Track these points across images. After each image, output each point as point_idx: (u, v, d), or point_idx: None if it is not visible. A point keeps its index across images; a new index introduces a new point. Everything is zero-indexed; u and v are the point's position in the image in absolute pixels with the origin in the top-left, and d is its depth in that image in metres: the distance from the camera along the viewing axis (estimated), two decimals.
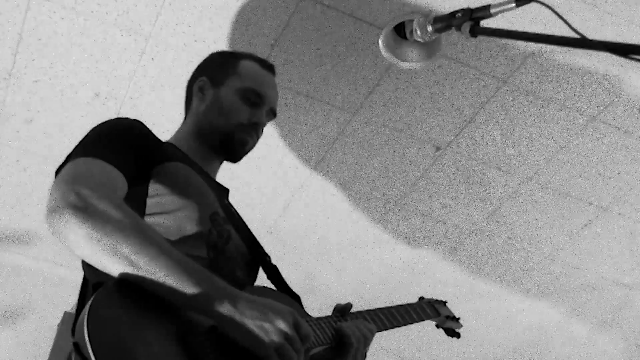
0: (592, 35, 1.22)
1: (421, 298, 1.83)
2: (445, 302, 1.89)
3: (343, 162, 2.38)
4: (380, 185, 2.45)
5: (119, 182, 1.21)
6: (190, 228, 1.29)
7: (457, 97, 2.14)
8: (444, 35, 1.77)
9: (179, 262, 1.07)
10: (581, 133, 2.23)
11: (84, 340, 0.95)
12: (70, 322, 3.28)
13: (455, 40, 1.98)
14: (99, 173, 1.20)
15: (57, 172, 1.24)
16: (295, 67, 2.06)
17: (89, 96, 2.16)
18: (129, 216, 1.11)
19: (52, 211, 1.11)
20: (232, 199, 1.60)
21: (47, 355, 2.63)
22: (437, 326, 1.86)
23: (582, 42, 1.18)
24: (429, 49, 1.99)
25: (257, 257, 1.49)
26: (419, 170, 2.40)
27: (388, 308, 1.58)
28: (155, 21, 1.94)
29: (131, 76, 2.10)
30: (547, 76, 2.06)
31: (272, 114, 1.63)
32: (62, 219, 1.09)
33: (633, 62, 1.09)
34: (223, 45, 2.00)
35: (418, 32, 1.68)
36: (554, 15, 1.30)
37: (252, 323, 1.07)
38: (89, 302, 1.01)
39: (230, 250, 1.36)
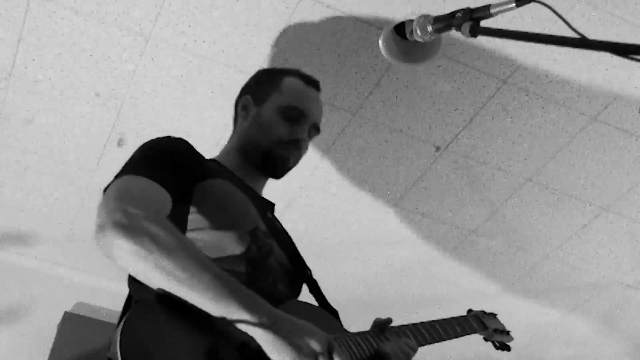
0: (592, 35, 1.22)
1: (469, 311, 1.80)
2: (495, 315, 1.86)
3: (343, 162, 2.38)
4: (381, 185, 2.45)
5: (164, 200, 1.24)
6: (230, 244, 1.31)
7: (457, 97, 2.14)
8: (444, 35, 1.77)
9: (219, 278, 1.10)
10: (581, 133, 2.23)
11: (116, 355, 0.99)
12: (70, 322, 3.27)
13: (455, 40, 1.98)
14: (144, 191, 1.23)
15: (105, 189, 1.28)
16: (295, 67, 2.05)
17: (89, 96, 2.16)
18: (172, 233, 1.14)
19: (100, 229, 1.14)
20: None
21: (47, 355, 2.63)
22: (486, 339, 1.82)
23: (582, 42, 1.18)
24: (429, 49, 1.99)
25: (299, 270, 1.49)
26: (419, 170, 2.40)
27: (431, 322, 1.56)
28: (155, 21, 1.94)
29: (131, 76, 2.10)
30: (547, 76, 2.06)
31: (316, 130, 1.63)
32: (109, 237, 1.12)
33: (633, 62, 1.09)
34: (223, 45, 2.00)
35: (418, 32, 1.68)
36: (554, 15, 1.30)
37: (287, 341, 1.08)
38: (124, 319, 1.04)
39: (271, 264, 1.37)
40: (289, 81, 1.63)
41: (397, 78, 2.09)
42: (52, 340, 2.67)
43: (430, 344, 1.51)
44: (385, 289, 2.98)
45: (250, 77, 1.74)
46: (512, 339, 1.86)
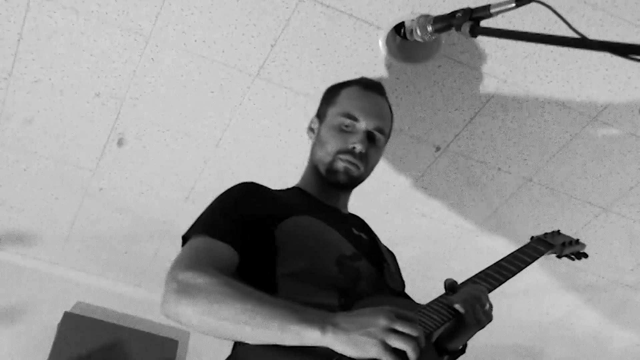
0: (592, 35, 1.22)
1: (532, 237, 1.78)
2: (559, 231, 1.83)
3: None
4: (380, 185, 2.45)
5: (224, 255, 1.27)
6: (319, 281, 1.32)
7: (457, 97, 2.14)
8: (444, 35, 1.77)
9: (277, 308, 1.12)
10: (581, 133, 2.23)
11: None
12: (70, 322, 3.27)
13: (455, 40, 1.98)
14: (202, 251, 1.28)
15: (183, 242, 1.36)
16: (295, 67, 2.06)
17: (89, 96, 2.16)
18: (223, 283, 1.17)
19: (162, 302, 1.20)
20: None
21: (47, 355, 2.63)
22: (559, 256, 1.80)
23: (582, 42, 1.18)
24: (429, 49, 1.99)
25: (382, 270, 1.50)
26: (419, 170, 2.40)
27: (496, 262, 1.56)
28: (155, 21, 1.94)
29: (131, 76, 2.10)
30: (547, 76, 2.06)
31: (379, 132, 1.61)
32: (171, 306, 1.17)
33: (633, 62, 1.09)
34: (223, 45, 2.00)
35: (418, 32, 1.68)
36: (554, 15, 1.30)
37: (358, 334, 1.08)
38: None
39: (361, 286, 1.37)
40: (346, 92, 1.65)
41: (397, 78, 2.09)
42: (52, 340, 2.67)
43: (501, 283, 1.50)
44: None
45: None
46: (584, 245, 1.82)
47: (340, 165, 1.56)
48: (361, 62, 2.04)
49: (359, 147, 1.56)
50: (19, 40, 2.00)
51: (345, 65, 2.05)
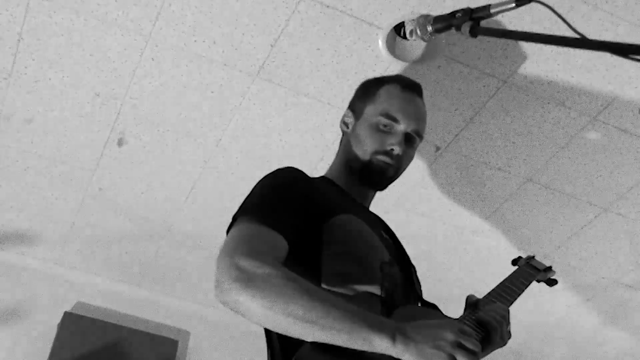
0: (592, 35, 1.22)
1: (514, 261, 1.84)
2: (533, 256, 1.89)
3: None
4: None
5: (279, 246, 1.24)
6: (364, 286, 1.32)
7: (457, 97, 2.14)
8: (444, 35, 1.77)
9: (346, 311, 1.12)
10: (581, 133, 2.23)
11: None
12: (70, 322, 3.27)
13: (455, 40, 1.98)
14: (259, 239, 1.23)
15: (228, 231, 1.30)
16: (295, 67, 2.06)
17: (89, 96, 2.16)
18: (291, 278, 1.14)
19: (219, 286, 1.15)
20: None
21: (47, 355, 2.63)
22: (538, 281, 1.86)
23: (582, 42, 1.18)
24: (429, 49, 1.99)
25: (410, 275, 1.51)
26: (419, 170, 2.40)
27: (501, 284, 1.60)
28: (155, 21, 1.94)
29: (131, 76, 2.10)
30: (547, 76, 2.06)
31: (417, 136, 1.61)
32: (231, 294, 1.13)
33: (633, 62, 1.09)
34: (223, 45, 2.00)
35: (418, 32, 1.68)
36: (554, 15, 1.30)
37: (427, 346, 1.10)
38: None
39: (398, 294, 1.38)
40: (385, 90, 1.63)
41: None
42: (52, 340, 2.67)
43: (513, 303, 1.54)
44: None
45: (356, 89, 1.75)
46: (554, 272, 1.90)
47: (376, 165, 1.56)
48: (361, 62, 2.04)
49: (397, 149, 1.55)
50: (19, 40, 2.00)
51: (345, 65, 2.05)
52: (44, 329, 2.73)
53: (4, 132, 2.30)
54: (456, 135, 2.27)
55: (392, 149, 1.55)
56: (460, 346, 1.10)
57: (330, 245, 1.34)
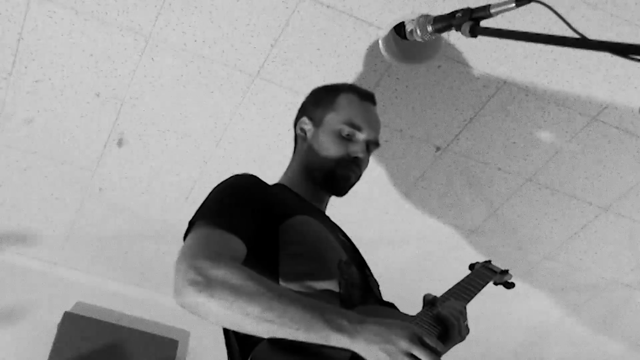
0: (592, 35, 1.22)
1: (471, 266, 1.87)
2: (490, 261, 1.92)
3: None
4: (380, 185, 2.45)
5: (237, 248, 1.25)
6: (322, 285, 1.33)
7: (457, 97, 2.14)
8: (444, 35, 1.77)
9: (306, 307, 1.14)
10: (581, 133, 2.23)
11: None
12: (70, 322, 3.27)
13: (455, 40, 1.98)
14: (216, 242, 1.24)
15: (185, 236, 1.31)
16: (295, 67, 2.06)
17: (89, 96, 2.16)
18: (248, 277, 1.15)
19: (178, 290, 1.17)
20: None
21: (47, 355, 2.63)
22: (495, 284, 1.90)
23: (582, 42, 1.18)
24: (429, 49, 1.99)
25: (367, 277, 1.52)
26: (419, 170, 2.40)
27: (458, 284, 1.62)
28: (155, 21, 1.94)
29: (131, 76, 2.10)
30: (546, 76, 2.06)
31: (375, 144, 1.65)
32: (190, 297, 1.14)
33: (633, 62, 1.09)
34: (223, 45, 2.00)
35: (418, 32, 1.68)
36: (554, 15, 1.30)
37: (378, 348, 1.12)
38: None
39: (356, 294, 1.39)
40: (344, 98, 1.66)
41: (397, 78, 2.09)
42: (52, 340, 2.67)
43: (469, 301, 1.56)
44: (384, 289, 2.98)
45: (307, 96, 1.76)
46: (511, 275, 1.95)
47: (342, 172, 1.58)
48: (361, 62, 2.04)
49: (361, 156, 1.60)
50: (19, 40, 2.00)
51: (345, 65, 2.05)
52: (44, 329, 2.73)
53: (4, 132, 2.30)
54: (456, 135, 2.27)
55: (357, 157, 1.59)
56: (412, 356, 1.12)
57: (287, 246, 1.35)
